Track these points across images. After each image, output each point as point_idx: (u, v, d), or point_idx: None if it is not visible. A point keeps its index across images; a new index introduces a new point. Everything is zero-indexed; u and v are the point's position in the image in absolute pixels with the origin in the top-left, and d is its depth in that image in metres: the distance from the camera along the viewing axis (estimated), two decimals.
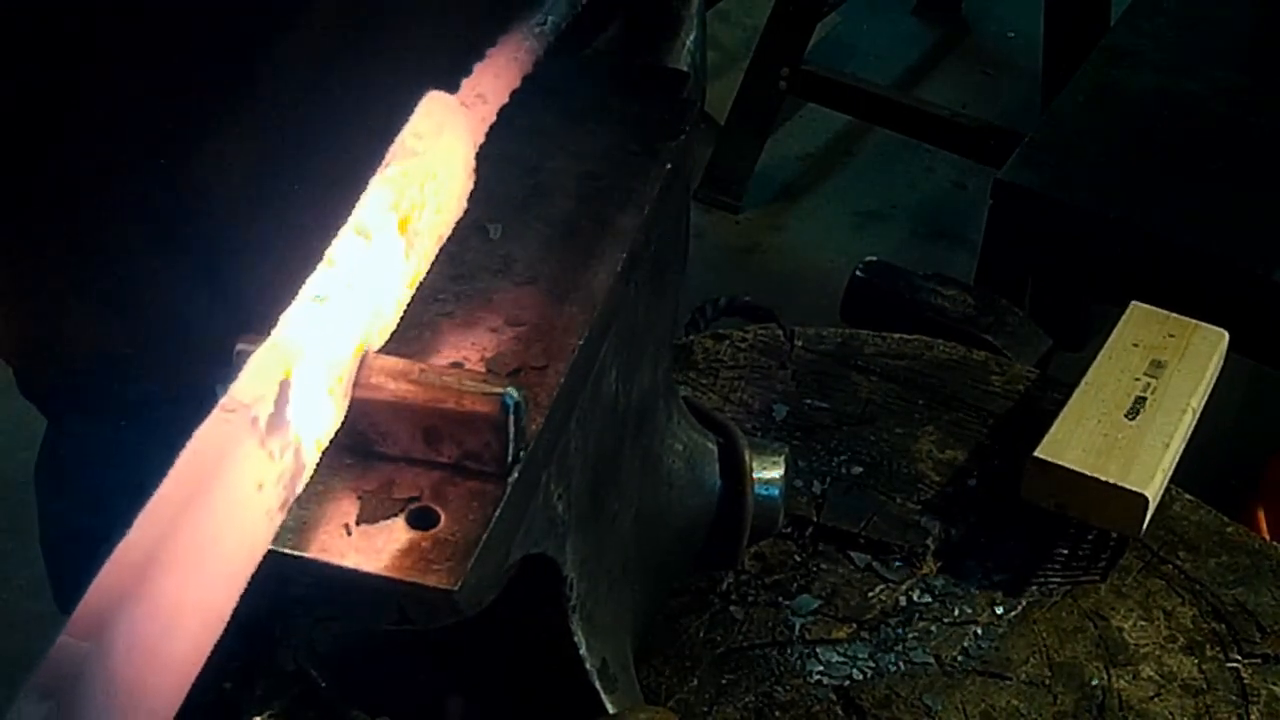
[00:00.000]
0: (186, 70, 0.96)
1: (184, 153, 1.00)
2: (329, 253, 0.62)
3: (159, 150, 1.00)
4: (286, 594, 0.58)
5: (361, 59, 1.00)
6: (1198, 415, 1.10)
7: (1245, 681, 0.97)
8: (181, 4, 0.94)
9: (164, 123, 0.98)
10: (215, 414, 0.53)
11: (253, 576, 0.53)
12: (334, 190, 0.67)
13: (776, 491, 0.95)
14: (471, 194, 0.69)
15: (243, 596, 0.52)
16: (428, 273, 0.66)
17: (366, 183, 0.65)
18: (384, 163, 0.65)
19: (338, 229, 0.66)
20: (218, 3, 0.94)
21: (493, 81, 0.71)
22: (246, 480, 0.52)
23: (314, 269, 0.61)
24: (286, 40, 0.98)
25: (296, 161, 1.02)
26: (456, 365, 0.66)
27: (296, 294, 0.62)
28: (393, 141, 0.66)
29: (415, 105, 0.68)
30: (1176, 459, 1.05)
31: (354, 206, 0.64)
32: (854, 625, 1.00)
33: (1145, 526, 1.01)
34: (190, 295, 1.05)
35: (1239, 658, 0.98)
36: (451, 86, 0.71)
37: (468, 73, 0.72)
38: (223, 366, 0.61)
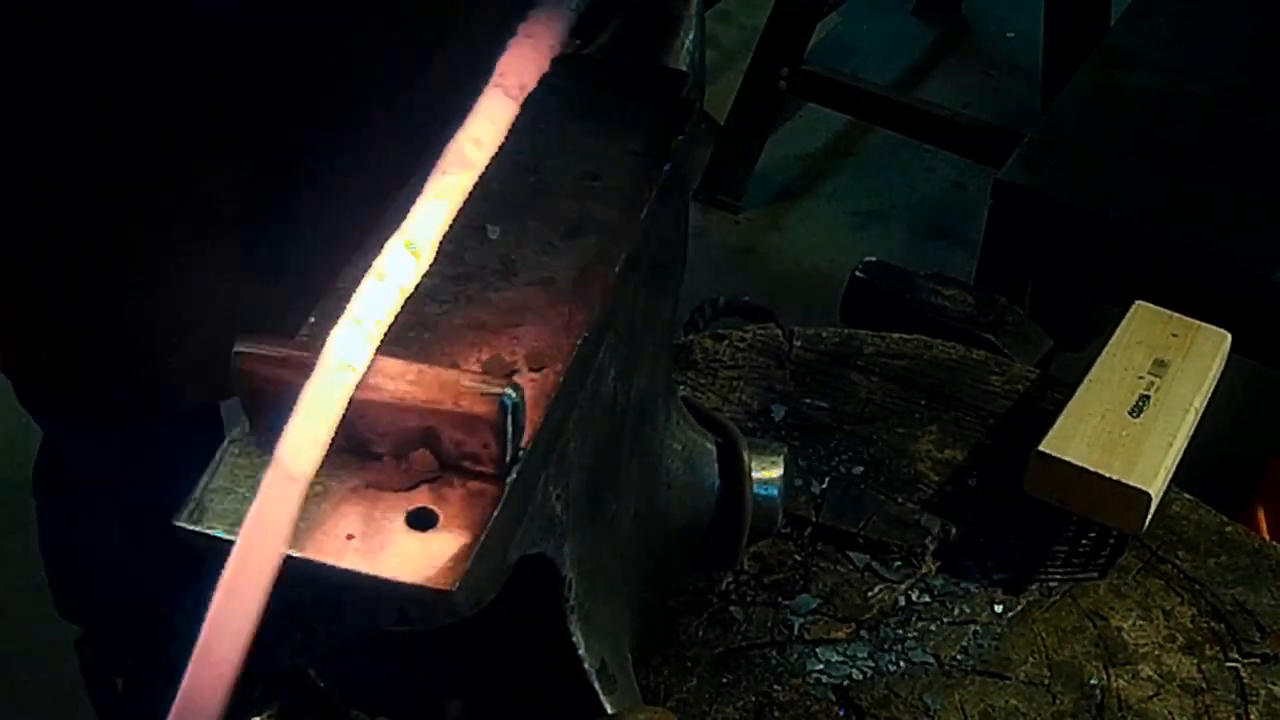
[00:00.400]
0: (187, 73, 0.96)
1: (185, 157, 1.00)
2: (378, 265, 0.61)
3: (161, 153, 1.00)
4: (286, 596, 0.59)
5: (405, 69, 1.00)
6: (1200, 415, 1.10)
7: (1244, 681, 0.97)
8: (183, 5, 0.94)
9: (165, 125, 0.98)
10: (273, 476, 0.54)
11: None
12: (349, 202, 0.66)
13: (775, 491, 0.95)
14: (471, 193, 0.69)
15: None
16: (427, 274, 0.66)
17: (402, 192, 0.64)
18: (439, 168, 0.64)
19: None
20: (224, 8, 0.94)
21: (532, 70, 0.70)
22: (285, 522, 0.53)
23: (347, 281, 0.61)
24: (292, 42, 0.98)
25: (298, 170, 1.02)
26: (455, 366, 0.66)
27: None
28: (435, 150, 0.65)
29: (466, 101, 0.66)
30: (1179, 458, 1.05)
31: (394, 212, 0.63)
32: (853, 625, 1.00)
33: (1146, 525, 1.01)
34: (189, 301, 1.04)
35: (1238, 657, 0.98)
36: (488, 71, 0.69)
37: (502, 50, 0.70)
38: (219, 369, 0.61)
